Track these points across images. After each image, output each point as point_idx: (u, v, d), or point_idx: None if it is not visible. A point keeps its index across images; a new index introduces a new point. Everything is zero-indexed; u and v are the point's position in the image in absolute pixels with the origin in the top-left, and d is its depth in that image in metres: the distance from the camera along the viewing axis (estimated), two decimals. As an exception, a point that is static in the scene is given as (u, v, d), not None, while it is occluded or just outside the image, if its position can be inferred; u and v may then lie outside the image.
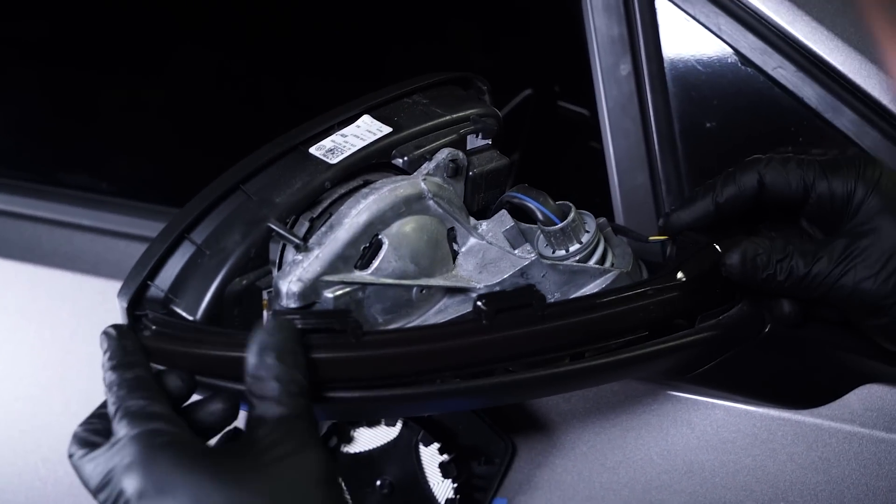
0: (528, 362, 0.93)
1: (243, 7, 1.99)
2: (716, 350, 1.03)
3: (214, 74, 1.96)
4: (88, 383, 1.27)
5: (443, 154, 1.00)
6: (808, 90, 1.09)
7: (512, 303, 0.91)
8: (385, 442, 1.16)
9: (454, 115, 1.04)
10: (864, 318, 0.96)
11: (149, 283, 0.91)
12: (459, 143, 1.03)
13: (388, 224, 0.94)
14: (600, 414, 1.14)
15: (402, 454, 1.16)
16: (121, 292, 0.91)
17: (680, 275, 0.98)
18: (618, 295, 0.96)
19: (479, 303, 0.89)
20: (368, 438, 1.17)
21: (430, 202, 0.97)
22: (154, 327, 0.89)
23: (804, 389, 1.10)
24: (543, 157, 1.58)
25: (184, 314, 0.90)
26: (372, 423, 1.16)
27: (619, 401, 1.14)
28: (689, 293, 0.99)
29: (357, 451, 1.17)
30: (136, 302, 0.91)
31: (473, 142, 1.06)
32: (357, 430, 1.17)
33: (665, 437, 1.13)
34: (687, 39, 1.13)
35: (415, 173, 0.99)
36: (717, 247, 1.00)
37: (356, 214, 0.93)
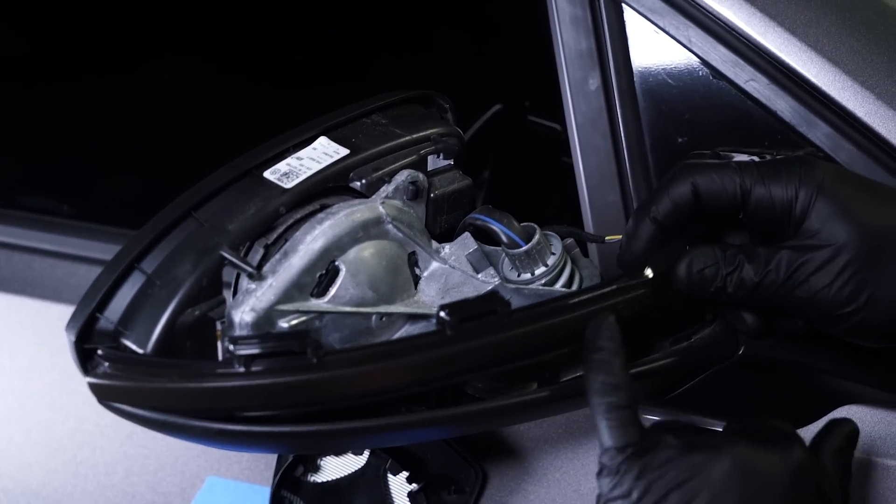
0: (498, 372, 0.90)
1: (229, 20, 1.96)
2: (689, 373, 1.00)
3: (199, 88, 1.93)
4: (50, 412, 1.25)
5: (402, 176, 0.97)
6: (781, 103, 1.06)
7: (476, 310, 0.87)
8: (353, 471, 1.13)
9: (414, 136, 1.01)
10: (824, 325, 0.93)
11: (98, 315, 0.88)
12: (420, 165, 1.00)
13: (345, 250, 0.91)
14: (573, 439, 1.11)
15: (370, 483, 1.12)
16: (69, 325, 0.88)
17: (648, 271, 0.94)
18: (586, 295, 0.92)
19: (441, 313, 0.85)
20: (336, 467, 1.14)
21: (390, 226, 0.94)
22: (106, 364, 0.86)
23: (782, 412, 1.06)
24: (514, 174, 1.55)
25: (134, 347, 0.87)
26: (339, 451, 1.13)
27: (593, 425, 1.10)
28: (658, 290, 0.95)
29: (324, 480, 1.14)
30: (86, 335, 0.88)
31: (435, 162, 1.03)
32: (324, 458, 1.14)
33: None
34: (657, 52, 1.10)
35: (373, 196, 0.96)
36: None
37: (311, 241, 0.90)
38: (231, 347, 0.82)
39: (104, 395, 0.86)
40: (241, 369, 0.81)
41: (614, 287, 0.93)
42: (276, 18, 1.92)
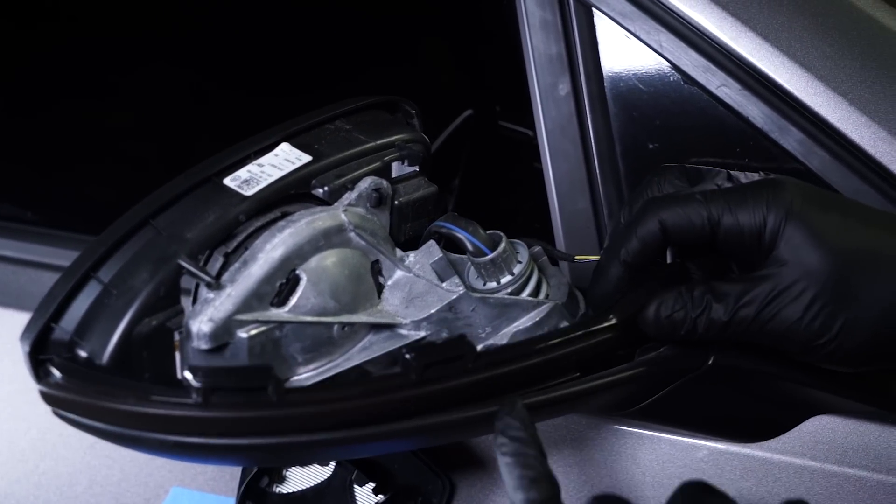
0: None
1: (209, 29, 1.94)
2: (657, 383, 0.98)
3: (173, 94, 1.91)
4: (12, 422, 1.23)
5: (365, 183, 0.95)
6: (753, 109, 1.05)
7: (441, 356, 0.85)
8: (318, 482, 1.11)
9: (378, 142, 0.99)
10: (798, 356, 0.91)
11: (53, 325, 0.86)
12: (384, 171, 0.98)
13: (306, 258, 0.90)
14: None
15: (335, 494, 1.11)
16: (23, 336, 0.86)
17: (612, 318, 0.93)
18: (550, 341, 0.90)
19: (406, 356, 0.84)
20: (301, 478, 1.12)
21: (352, 234, 0.92)
22: (58, 375, 0.84)
23: (752, 422, 1.05)
24: (485, 180, 1.53)
25: (90, 358, 0.85)
26: (304, 463, 1.11)
27: (562, 436, 1.09)
28: (623, 334, 0.94)
29: (289, 491, 1.12)
30: (40, 346, 0.85)
31: (401, 169, 1.01)
32: (289, 469, 1.12)
33: (609, 473, 1.08)
34: (628, 58, 1.09)
35: (335, 204, 0.94)
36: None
37: (271, 249, 0.88)
38: (189, 377, 0.80)
39: (56, 405, 0.85)
40: (199, 400, 0.80)
41: (580, 332, 0.92)
42: (252, 26, 1.90)
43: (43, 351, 0.86)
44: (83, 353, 0.85)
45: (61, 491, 1.20)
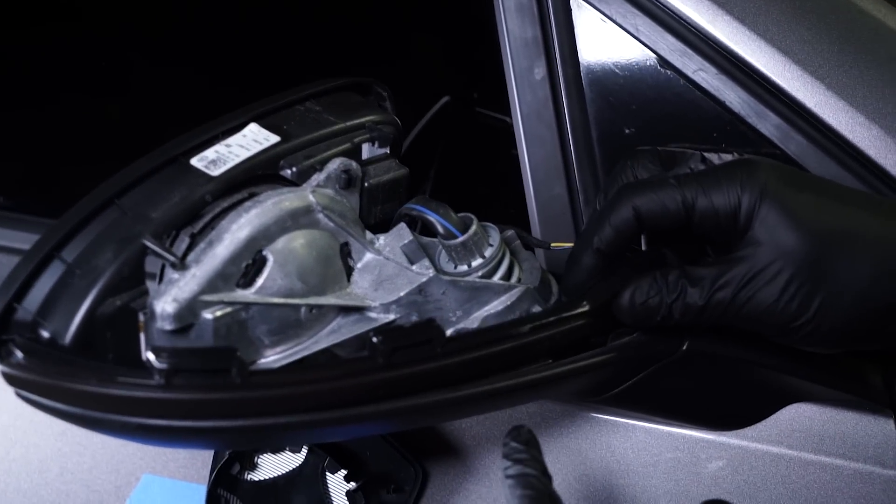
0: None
1: (200, 27, 1.93)
2: (630, 369, 0.97)
3: (171, 90, 1.90)
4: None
5: (334, 164, 0.94)
6: (730, 94, 1.04)
7: (410, 340, 0.84)
8: (290, 469, 1.10)
9: (348, 123, 0.98)
10: (776, 338, 0.90)
11: (15, 305, 0.85)
12: (353, 153, 0.97)
13: (273, 239, 0.88)
14: (490, 433, 1.09)
15: (307, 482, 1.09)
16: (-15, 316, 0.85)
17: (585, 304, 0.92)
18: (521, 327, 0.89)
19: (374, 339, 0.83)
20: (272, 465, 1.11)
21: (320, 215, 0.91)
22: (20, 355, 0.83)
23: (728, 410, 1.04)
24: (462, 167, 1.52)
25: (53, 338, 0.84)
26: (276, 449, 1.10)
27: (535, 423, 1.08)
28: (596, 320, 0.93)
29: (260, 478, 1.11)
30: (2, 325, 0.84)
31: (372, 151, 1.00)
32: (260, 456, 1.11)
33: (584, 461, 1.07)
34: (603, 41, 1.08)
35: (304, 185, 0.93)
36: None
37: (237, 229, 0.87)
38: (152, 358, 0.79)
39: (16, 385, 0.83)
40: (162, 381, 0.79)
41: (552, 318, 0.91)
42: (238, 23, 1.90)
43: (5, 331, 0.85)
44: (46, 334, 0.84)
45: (31, 479, 1.19)
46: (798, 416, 1.03)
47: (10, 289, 0.85)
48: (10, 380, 0.84)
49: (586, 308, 0.92)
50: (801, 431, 1.03)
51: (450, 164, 1.48)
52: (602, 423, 1.07)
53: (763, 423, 1.04)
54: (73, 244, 0.86)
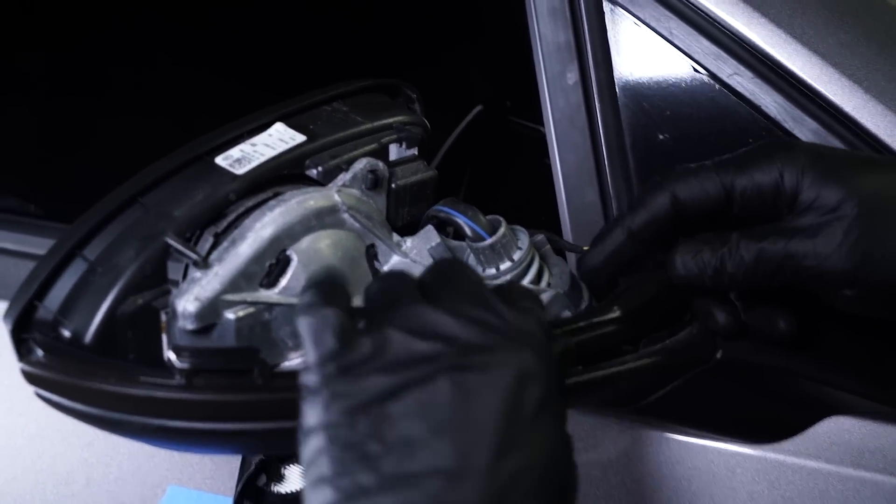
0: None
1: (226, 30, 1.93)
2: (663, 377, 0.95)
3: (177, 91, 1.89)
4: (8, 417, 1.21)
5: (360, 164, 0.93)
6: (766, 98, 1.02)
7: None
8: (316, 480, 1.08)
9: (375, 124, 0.96)
10: (832, 296, 0.87)
11: (37, 303, 0.84)
12: (380, 153, 0.95)
13: (297, 239, 0.87)
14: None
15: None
16: (6, 314, 0.84)
17: (617, 309, 0.90)
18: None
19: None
20: (300, 477, 1.09)
21: (345, 215, 0.90)
22: (40, 353, 0.82)
23: (764, 422, 1.02)
24: (495, 175, 1.51)
25: (73, 337, 0.83)
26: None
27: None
28: (627, 326, 0.90)
29: (287, 490, 1.09)
30: (24, 324, 0.83)
31: (400, 152, 0.98)
32: (287, 467, 1.09)
33: (617, 473, 1.04)
34: (637, 45, 1.06)
35: (329, 185, 0.92)
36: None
37: (260, 227, 0.85)
38: (173, 358, 0.78)
39: (36, 384, 0.83)
40: (182, 382, 0.78)
41: (581, 324, 0.89)
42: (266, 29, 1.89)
43: (26, 329, 0.84)
44: (67, 333, 0.83)
45: (58, 490, 1.18)
46: (836, 428, 1.00)
47: (32, 287, 0.84)
48: (30, 378, 0.83)
49: (617, 314, 0.90)
50: (839, 445, 1.00)
51: (482, 173, 1.47)
52: (634, 435, 1.04)
53: (800, 435, 1.01)
54: (96, 242, 0.85)
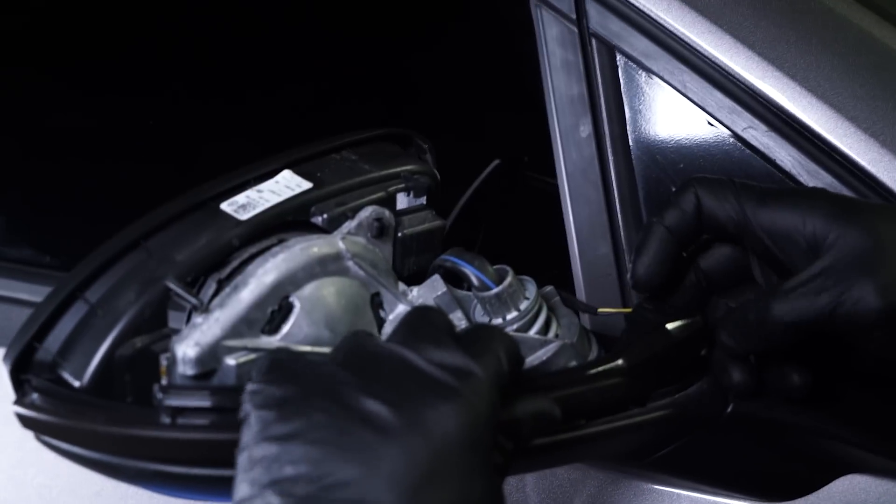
0: None
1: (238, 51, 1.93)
2: (672, 432, 0.93)
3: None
4: (19, 469, 1.20)
5: (366, 212, 0.92)
6: (781, 152, 1.00)
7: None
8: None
9: (383, 172, 0.96)
10: (867, 334, 0.85)
11: (36, 344, 0.83)
12: (387, 202, 0.95)
13: (300, 285, 0.86)
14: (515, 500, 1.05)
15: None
16: (6, 354, 0.83)
17: (620, 361, 0.88)
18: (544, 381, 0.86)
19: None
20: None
21: (350, 263, 0.89)
22: (35, 396, 0.81)
23: (778, 479, 0.99)
24: (510, 228, 1.50)
25: (70, 379, 0.82)
26: None
27: (576, 489, 1.04)
28: (633, 379, 0.88)
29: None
30: (23, 365, 0.83)
31: (409, 202, 0.98)
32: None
33: (627, 532, 1.03)
34: (650, 98, 1.05)
35: (334, 232, 0.91)
36: (668, 326, 0.91)
37: (262, 274, 0.85)
38: (160, 396, 0.78)
39: (30, 427, 0.82)
40: (167, 420, 0.78)
41: (585, 374, 0.87)
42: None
43: (25, 370, 0.83)
44: (65, 375, 0.83)
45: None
46: (853, 487, 0.98)
47: (31, 328, 0.84)
48: (24, 421, 0.82)
49: (621, 364, 0.88)
50: (856, 504, 0.98)
51: (497, 226, 1.46)
52: (645, 491, 1.02)
53: (815, 494, 0.99)
54: (98, 285, 0.85)
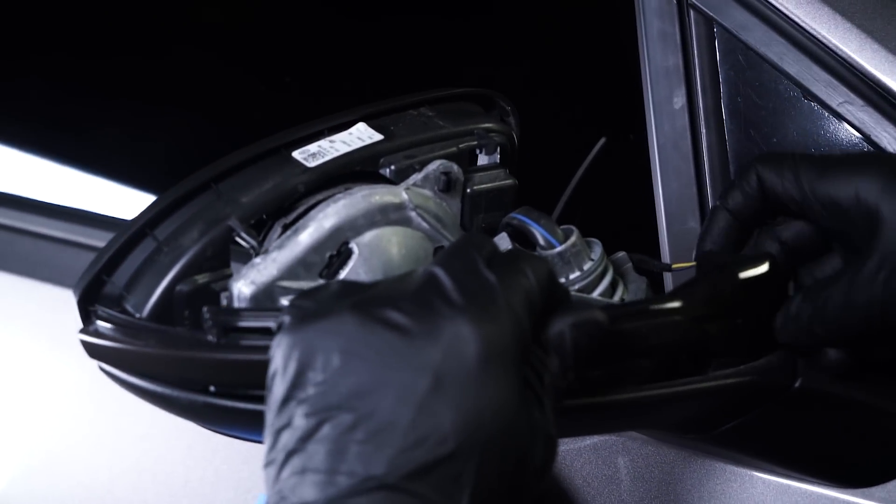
0: None
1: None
2: (739, 402, 0.90)
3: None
4: (118, 419, 1.25)
5: (434, 165, 0.92)
6: (877, 128, 0.97)
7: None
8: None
9: (456, 129, 0.96)
10: None
11: (105, 277, 0.87)
12: (458, 157, 0.95)
13: (361, 232, 0.87)
14: (600, 473, 1.03)
15: None
16: (76, 286, 0.87)
17: (675, 303, 0.85)
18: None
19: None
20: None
21: (413, 213, 0.89)
22: (97, 323, 0.85)
23: (854, 464, 0.95)
24: (600, 202, 1.47)
25: (133, 312, 0.85)
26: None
27: (632, 459, 1.02)
28: (692, 322, 0.84)
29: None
30: (91, 296, 0.87)
31: (487, 161, 0.98)
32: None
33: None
34: (746, 71, 1.03)
35: (401, 184, 0.92)
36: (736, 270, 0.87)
37: (322, 218, 0.86)
38: (207, 317, 0.81)
39: (92, 353, 0.86)
40: (213, 340, 0.80)
41: (644, 308, 0.85)
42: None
43: (92, 302, 0.87)
44: (128, 307, 0.86)
45: (157, 489, 1.20)
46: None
47: (100, 262, 0.87)
48: (88, 349, 0.85)
49: (678, 303, 0.84)
50: (939, 495, 0.93)
51: (585, 197, 1.43)
52: (710, 469, 1.00)
53: (894, 482, 0.94)
54: (167, 223, 0.88)
